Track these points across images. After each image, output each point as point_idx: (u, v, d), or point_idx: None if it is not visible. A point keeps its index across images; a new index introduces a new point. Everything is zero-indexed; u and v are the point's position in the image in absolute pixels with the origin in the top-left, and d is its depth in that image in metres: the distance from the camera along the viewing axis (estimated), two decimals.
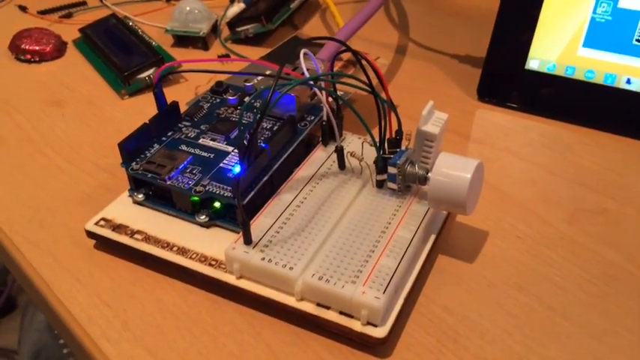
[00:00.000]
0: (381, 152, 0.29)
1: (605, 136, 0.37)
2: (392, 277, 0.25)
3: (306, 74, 0.30)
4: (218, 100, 0.34)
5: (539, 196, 0.32)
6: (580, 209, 0.31)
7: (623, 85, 0.37)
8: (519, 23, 0.39)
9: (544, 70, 0.39)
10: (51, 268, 0.29)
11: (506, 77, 0.40)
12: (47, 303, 0.27)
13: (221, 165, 0.30)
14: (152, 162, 0.30)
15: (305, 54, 0.30)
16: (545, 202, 0.32)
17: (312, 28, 0.50)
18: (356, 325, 0.24)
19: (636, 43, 0.36)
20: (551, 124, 0.38)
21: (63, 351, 0.62)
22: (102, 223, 0.29)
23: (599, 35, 0.37)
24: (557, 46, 0.38)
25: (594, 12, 0.37)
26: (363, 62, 0.29)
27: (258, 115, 0.25)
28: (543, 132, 0.37)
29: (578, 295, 0.27)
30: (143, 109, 0.40)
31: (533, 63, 0.39)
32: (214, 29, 0.48)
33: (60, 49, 0.46)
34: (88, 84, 0.43)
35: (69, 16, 0.52)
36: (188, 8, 0.46)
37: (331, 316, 0.25)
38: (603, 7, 0.37)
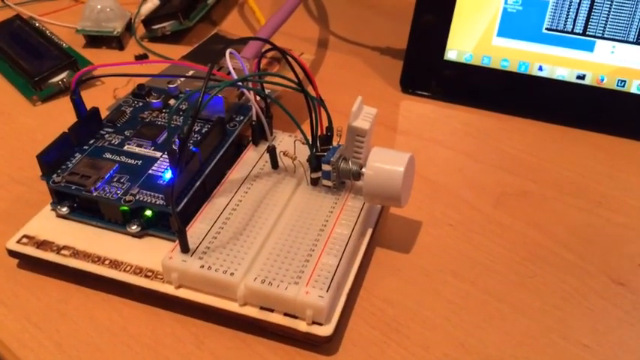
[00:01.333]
0: (314, 150, 0.29)
1: (522, 122, 0.38)
2: (334, 275, 0.25)
3: (233, 74, 0.29)
4: (141, 104, 0.33)
5: (466, 182, 0.34)
6: (504, 193, 0.33)
7: (536, 72, 0.39)
8: (436, 15, 0.40)
9: (462, 60, 0.40)
10: None
11: (426, 68, 0.41)
12: None
13: (150, 172, 0.29)
14: (75, 173, 0.28)
15: (231, 53, 0.29)
16: (471, 188, 0.33)
17: (231, 23, 0.49)
18: (301, 326, 0.24)
19: (546, 31, 0.38)
20: (473, 112, 0.39)
21: None
22: (24, 240, 0.27)
23: (512, 25, 0.39)
24: (473, 37, 0.39)
25: (506, 2, 0.38)
26: (289, 58, 0.29)
27: (189, 120, 0.24)
28: (465, 120, 0.39)
29: (510, 276, 0.28)
30: (58, 115, 0.38)
31: (451, 54, 0.40)
32: (129, 27, 0.46)
33: None
34: None
35: None
36: (99, 6, 0.44)
37: (276, 318, 0.25)
38: None
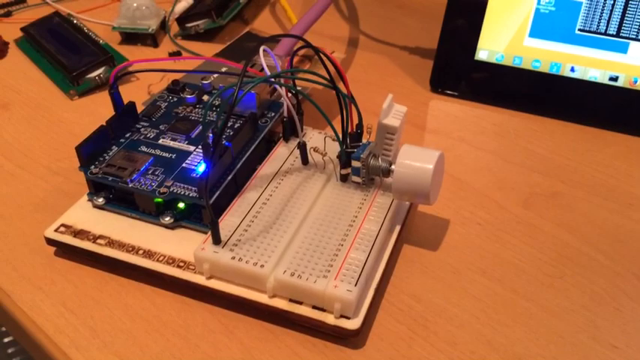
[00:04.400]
0: (344, 146, 0.29)
1: (552, 122, 0.38)
2: (362, 270, 0.25)
3: (266, 70, 0.30)
4: (175, 99, 0.34)
5: (495, 182, 0.33)
6: (534, 194, 0.33)
7: (568, 73, 0.39)
8: (467, 16, 0.40)
9: (493, 60, 0.40)
10: (10, 278, 0.28)
11: (457, 68, 0.41)
12: (9, 315, 0.27)
13: (184, 165, 0.29)
14: (112, 165, 0.29)
15: (264, 50, 0.30)
16: (500, 188, 0.33)
17: (263, 22, 0.50)
18: (329, 319, 0.25)
19: (578, 32, 0.38)
20: (502, 113, 0.39)
21: None
22: (62, 229, 0.28)
23: (544, 25, 0.38)
24: (504, 37, 0.39)
25: (538, 3, 0.38)
26: (322, 56, 0.29)
27: (222, 115, 0.24)
28: (495, 120, 0.39)
29: (538, 276, 0.28)
30: (94, 109, 0.39)
31: (482, 54, 0.40)
32: (163, 25, 0.47)
33: (2, 50, 0.44)
34: (34, 85, 0.41)
35: (8, 14, 0.49)
36: (135, 5, 0.45)
37: (304, 311, 0.25)
38: None
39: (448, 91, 0.41)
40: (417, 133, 0.37)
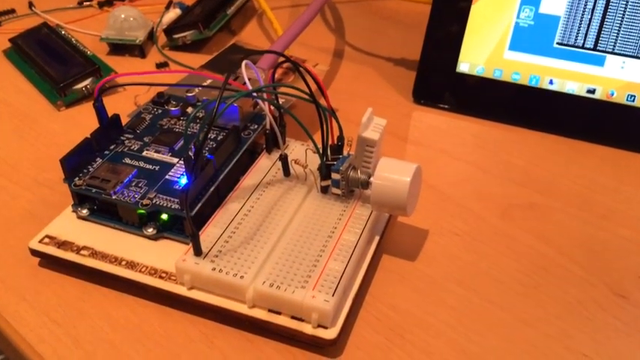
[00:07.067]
0: (324, 159, 0.30)
1: (532, 134, 0.39)
2: (340, 280, 0.26)
3: (248, 84, 0.31)
4: (160, 112, 0.34)
5: (474, 193, 0.34)
6: (511, 204, 0.33)
7: (546, 86, 0.39)
8: (449, 29, 0.41)
9: (474, 72, 0.41)
10: None
11: (439, 80, 0.42)
12: None
13: (167, 177, 0.30)
14: (96, 177, 0.29)
15: (246, 64, 0.30)
16: (479, 199, 0.34)
17: (250, 33, 0.50)
18: (307, 329, 0.25)
19: (557, 46, 0.39)
20: (483, 124, 0.40)
21: None
22: (46, 240, 0.29)
23: (523, 39, 0.39)
24: (485, 50, 0.40)
25: (518, 17, 0.39)
26: (302, 70, 0.30)
27: (205, 128, 0.25)
28: (475, 132, 0.39)
29: (513, 286, 0.29)
30: (81, 120, 0.39)
31: (463, 66, 0.41)
32: (150, 36, 0.48)
33: None
34: (22, 96, 0.42)
35: None
36: (123, 16, 0.46)
37: (283, 321, 0.26)
38: (526, 12, 0.39)
39: (430, 103, 0.42)
40: (398, 144, 0.38)
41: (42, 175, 0.35)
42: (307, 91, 0.29)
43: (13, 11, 0.51)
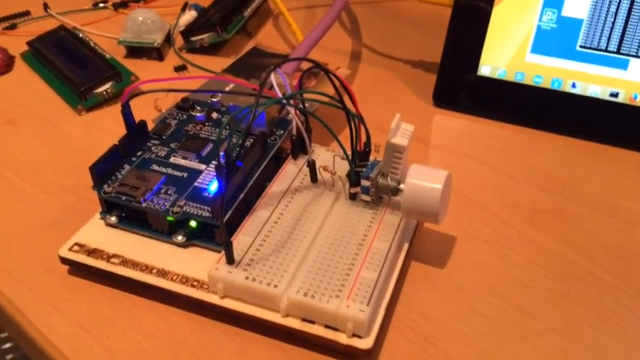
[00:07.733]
0: (354, 165, 0.30)
1: (555, 138, 0.39)
2: (374, 289, 0.26)
3: (276, 89, 0.30)
4: (185, 117, 0.34)
5: (500, 199, 0.34)
6: (538, 210, 0.33)
7: (569, 89, 0.39)
8: (470, 31, 0.40)
9: (495, 76, 0.40)
10: (25, 298, 0.28)
11: (460, 84, 0.42)
12: (24, 334, 0.27)
13: (195, 184, 0.30)
14: (125, 184, 0.29)
15: (275, 71, 0.30)
16: (505, 205, 0.34)
17: (267, 35, 0.50)
18: (342, 338, 0.25)
19: (580, 49, 0.39)
20: (505, 128, 0.40)
21: None
22: (76, 248, 0.29)
23: (545, 42, 0.39)
24: (506, 53, 0.40)
25: (540, 20, 0.39)
26: (331, 76, 0.30)
27: (235, 134, 0.25)
28: (498, 136, 0.39)
29: (544, 294, 0.29)
30: (102, 124, 0.39)
31: (484, 69, 0.41)
32: (168, 39, 0.48)
33: (8, 64, 0.44)
34: (42, 100, 0.41)
35: (13, 27, 0.50)
36: (141, 19, 0.46)
37: (317, 330, 0.26)
38: (548, 15, 0.39)
39: (451, 106, 0.42)
40: (421, 148, 0.38)
41: (66, 181, 0.34)
42: (335, 96, 0.29)
43: (28, 13, 0.51)
